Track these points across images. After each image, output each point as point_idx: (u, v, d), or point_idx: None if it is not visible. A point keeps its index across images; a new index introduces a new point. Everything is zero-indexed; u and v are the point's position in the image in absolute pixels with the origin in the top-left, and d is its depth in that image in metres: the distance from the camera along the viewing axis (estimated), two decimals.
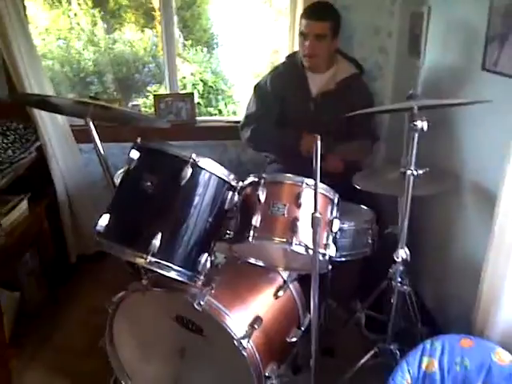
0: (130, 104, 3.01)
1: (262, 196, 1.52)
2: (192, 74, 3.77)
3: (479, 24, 1.73)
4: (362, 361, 1.81)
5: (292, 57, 2.45)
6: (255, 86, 2.47)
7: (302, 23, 2.27)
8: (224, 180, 1.54)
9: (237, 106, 3.76)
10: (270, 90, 2.41)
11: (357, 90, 2.37)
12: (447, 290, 2.11)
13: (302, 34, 2.27)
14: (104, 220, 1.45)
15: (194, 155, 1.46)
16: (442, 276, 2.15)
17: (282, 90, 2.39)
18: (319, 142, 1.28)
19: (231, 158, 2.94)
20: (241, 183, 1.60)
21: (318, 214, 1.35)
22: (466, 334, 1.51)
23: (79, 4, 3.44)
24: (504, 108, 1.57)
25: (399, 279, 1.70)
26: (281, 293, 1.73)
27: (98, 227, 1.45)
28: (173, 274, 1.43)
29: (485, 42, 1.71)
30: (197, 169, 1.47)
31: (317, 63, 2.33)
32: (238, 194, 1.58)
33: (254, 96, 2.46)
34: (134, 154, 1.51)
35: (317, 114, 2.35)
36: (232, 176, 1.57)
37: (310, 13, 2.26)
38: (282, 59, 2.50)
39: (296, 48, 2.58)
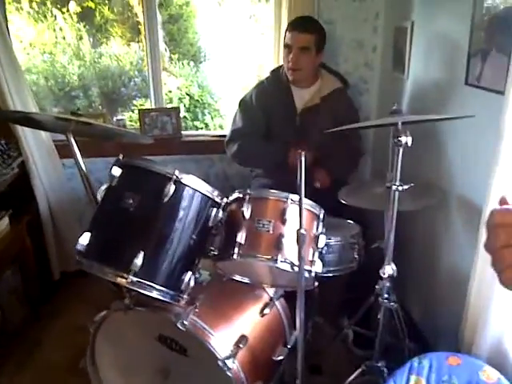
0: (115, 119, 2.98)
1: (247, 212, 1.50)
2: (178, 88, 3.76)
3: (461, 39, 1.74)
4: (350, 379, 1.78)
5: (276, 71, 2.45)
6: (240, 102, 2.46)
7: (286, 36, 2.28)
8: (208, 196, 1.52)
9: (223, 119, 3.76)
10: (256, 105, 2.40)
11: (341, 105, 2.38)
12: (435, 305, 2.10)
13: (286, 46, 2.27)
14: (85, 238, 1.42)
15: (176, 172, 1.43)
16: (430, 290, 2.14)
17: (267, 105, 2.39)
18: (303, 158, 1.27)
19: (217, 172, 2.93)
20: (225, 199, 1.58)
21: (303, 231, 1.33)
22: (453, 352, 1.50)
23: (64, 18, 3.42)
24: (487, 122, 1.58)
25: (386, 295, 1.68)
26: (267, 310, 1.70)
27: (78, 246, 1.41)
28: (155, 294, 1.40)
29: (467, 57, 1.72)
30: (180, 185, 1.44)
31: (301, 77, 2.33)
32: (223, 210, 1.56)
33: (240, 111, 2.45)
34: (116, 171, 1.48)
35: (302, 129, 2.35)
36: (216, 192, 1.55)
37: (294, 25, 2.27)
38: (267, 74, 2.50)
39: (281, 62, 2.58)
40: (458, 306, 1.68)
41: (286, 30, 2.29)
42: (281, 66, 2.43)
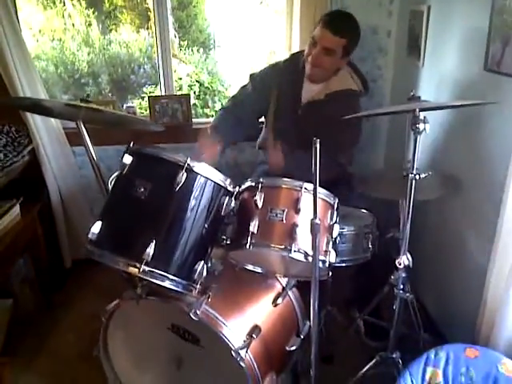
0: (125, 106, 2.95)
1: (260, 201, 1.48)
2: (188, 75, 3.72)
3: (481, 23, 1.68)
4: (363, 370, 1.77)
5: (296, 56, 2.30)
6: (250, 76, 2.35)
7: (316, 29, 2.09)
8: (220, 185, 1.49)
9: None
10: (265, 80, 2.29)
11: (343, 105, 2.10)
12: (450, 296, 2.07)
13: (313, 39, 2.10)
14: (96, 227, 1.40)
15: (188, 160, 1.41)
16: (445, 281, 2.11)
17: (278, 87, 2.27)
18: (318, 146, 1.24)
19: (228, 159, 2.90)
20: (237, 188, 1.55)
21: (317, 220, 1.30)
22: (470, 343, 1.47)
23: (74, 5, 3.39)
24: (507, 109, 1.53)
25: (401, 286, 1.65)
26: (279, 300, 1.68)
27: (89, 235, 1.40)
28: (167, 284, 1.38)
29: (487, 42, 1.66)
30: (192, 174, 1.42)
31: (317, 74, 2.18)
32: (235, 199, 1.53)
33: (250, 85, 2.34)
34: (127, 159, 1.46)
35: (301, 122, 2.23)
36: (228, 181, 1.52)
37: (328, 23, 2.05)
38: (279, 60, 2.41)
39: (294, 48, 2.53)
40: (475, 297, 1.65)
41: (318, 22, 2.10)
42: (302, 52, 2.27)
